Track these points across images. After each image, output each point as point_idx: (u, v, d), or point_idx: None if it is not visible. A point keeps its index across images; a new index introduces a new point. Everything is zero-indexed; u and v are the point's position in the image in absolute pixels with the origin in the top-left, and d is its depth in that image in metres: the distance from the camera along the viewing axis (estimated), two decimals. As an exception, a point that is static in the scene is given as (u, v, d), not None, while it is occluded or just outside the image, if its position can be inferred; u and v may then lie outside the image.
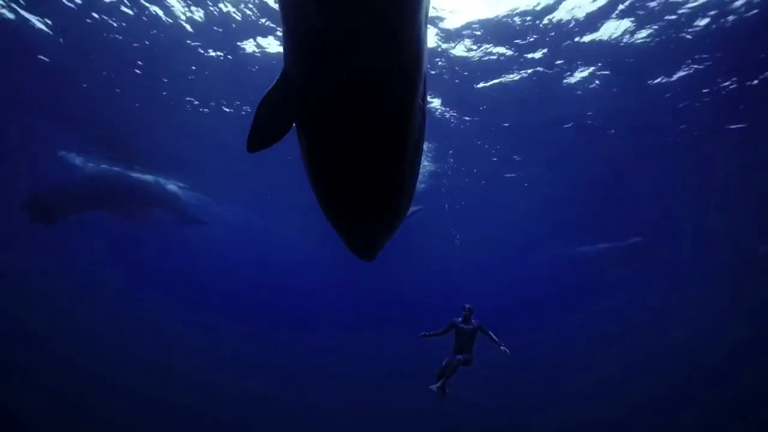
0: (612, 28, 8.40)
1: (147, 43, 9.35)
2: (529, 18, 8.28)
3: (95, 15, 8.53)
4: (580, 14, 8.10)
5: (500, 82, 10.35)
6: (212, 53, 9.70)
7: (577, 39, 8.74)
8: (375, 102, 2.39)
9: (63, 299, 26.38)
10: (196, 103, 12.09)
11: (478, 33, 8.71)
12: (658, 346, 26.64)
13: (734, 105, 10.60)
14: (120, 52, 9.69)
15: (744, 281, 24.15)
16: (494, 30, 8.65)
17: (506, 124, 12.48)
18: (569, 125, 12.32)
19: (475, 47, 9.14)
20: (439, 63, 9.62)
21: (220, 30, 8.88)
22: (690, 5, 7.70)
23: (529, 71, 9.86)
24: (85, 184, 15.59)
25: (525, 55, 9.35)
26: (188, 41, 9.25)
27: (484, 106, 11.49)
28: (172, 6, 8.32)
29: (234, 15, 8.43)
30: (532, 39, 8.80)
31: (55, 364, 15.82)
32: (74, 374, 15.41)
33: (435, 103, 11.38)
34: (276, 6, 7.33)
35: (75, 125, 14.06)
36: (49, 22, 8.91)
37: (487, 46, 9.09)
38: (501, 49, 9.20)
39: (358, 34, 2.05)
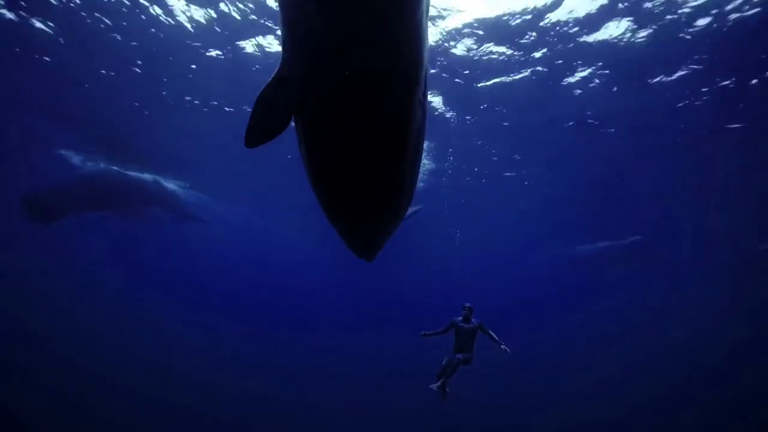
0: (612, 28, 8.40)
1: (147, 42, 9.35)
2: (529, 17, 8.28)
3: (96, 14, 8.53)
4: (580, 14, 8.10)
5: (501, 81, 10.35)
6: (212, 53, 9.70)
7: (577, 39, 8.75)
8: (375, 102, 2.38)
9: (63, 299, 26.37)
10: (197, 102, 12.09)
11: (479, 32, 8.72)
12: (658, 346, 26.65)
13: (734, 105, 10.60)
14: (120, 52, 9.69)
15: (744, 281, 24.14)
16: (495, 29, 8.65)
17: (506, 124, 12.48)
18: (569, 124, 12.33)
19: (475, 46, 9.14)
20: (440, 62, 9.63)
21: (220, 30, 8.88)
22: (690, 5, 7.70)
23: (530, 70, 9.87)
24: (83, 184, 15.53)
25: (525, 55, 9.35)
26: (188, 41, 9.25)
27: (485, 105, 11.49)
28: (172, 6, 8.33)
29: (234, 15, 8.44)
30: (532, 38, 8.81)
31: (55, 364, 15.81)
32: (74, 374, 15.40)
33: (435, 101, 11.38)
34: (276, 6, 7.33)
35: (75, 125, 14.05)
36: (50, 23, 8.91)
37: (488, 45, 9.09)
38: (501, 49, 9.20)
39: (358, 33, 2.05)
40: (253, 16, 8.45)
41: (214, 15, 8.49)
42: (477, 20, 8.41)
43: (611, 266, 25.04)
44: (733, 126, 11.61)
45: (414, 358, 16.86)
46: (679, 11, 7.83)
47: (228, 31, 8.89)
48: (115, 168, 16.38)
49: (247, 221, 28.35)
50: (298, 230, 27.15)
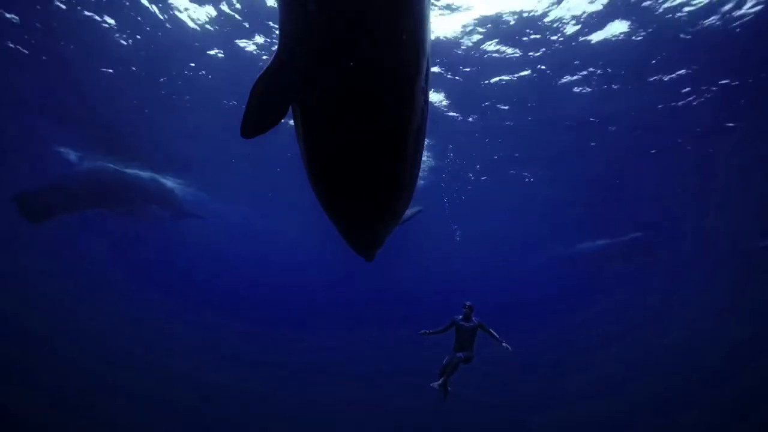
0: (612, 28, 8.40)
1: (147, 41, 9.34)
2: (530, 17, 8.28)
3: (97, 15, 8.53)
4: (581, 13, 8.10)
5: (502, 80, 10.35)
6: (212, 52, 9.70)
7: (577, 38, 8.75)
8: (375, 100, 2.37)
9: (63, 299, 26.39)
10: (196, 101, 12.09)
11: (481, 30, 8.72)
12: (658, 345, 26.68)
13: (734, 105, 10.60)
14: (120, 51, 9.69)
15: (744, 281, 24.14)
16: (496, 28, 8.65)
17: (507, 122, 12.49)
18: (570, 123, 12.33)
19: (477, 45, 9.14)
20: (441, 60, 9.63)
21: (220, 29, 8.88)
22: (690, 5, 7.70)
23: (531, 69, 9.87)
24: (78, 181, 15.43)
25: (526, 54, 9.35)
26: (188, 40, 9.25)
27: (487, 103, 11.50)
28: (173, 5, 8.32)
29: (234, 14, 8.43)
30: (533, 37, 8.80)
31: (56, 364, 15.83)
32: (74, 374, 15.42)
33: (437, 99, 11.38)
34: (276, 5, 7.32)
35: (74, 124, 14.04)
36: (50, 23, 8.91)
37: (489, 43, 9.09)
38: (503, 47, 9.21)
39: (358, 28, 2.04)
40: (253, 16, 8.44)
41: (214, 14, 8.48)
42: (479, 18, 8.41)
43: (611, 264, 25.04)
44: (733, 126, 11.61)
45: (414, 356, 16.87)
46: (679, 11, 7.83)
47: (228, 30, 8.89)
48: (111, 165, 16.28)
49: (247, 221, 28.36)
50: (298, 230, 27.15)
